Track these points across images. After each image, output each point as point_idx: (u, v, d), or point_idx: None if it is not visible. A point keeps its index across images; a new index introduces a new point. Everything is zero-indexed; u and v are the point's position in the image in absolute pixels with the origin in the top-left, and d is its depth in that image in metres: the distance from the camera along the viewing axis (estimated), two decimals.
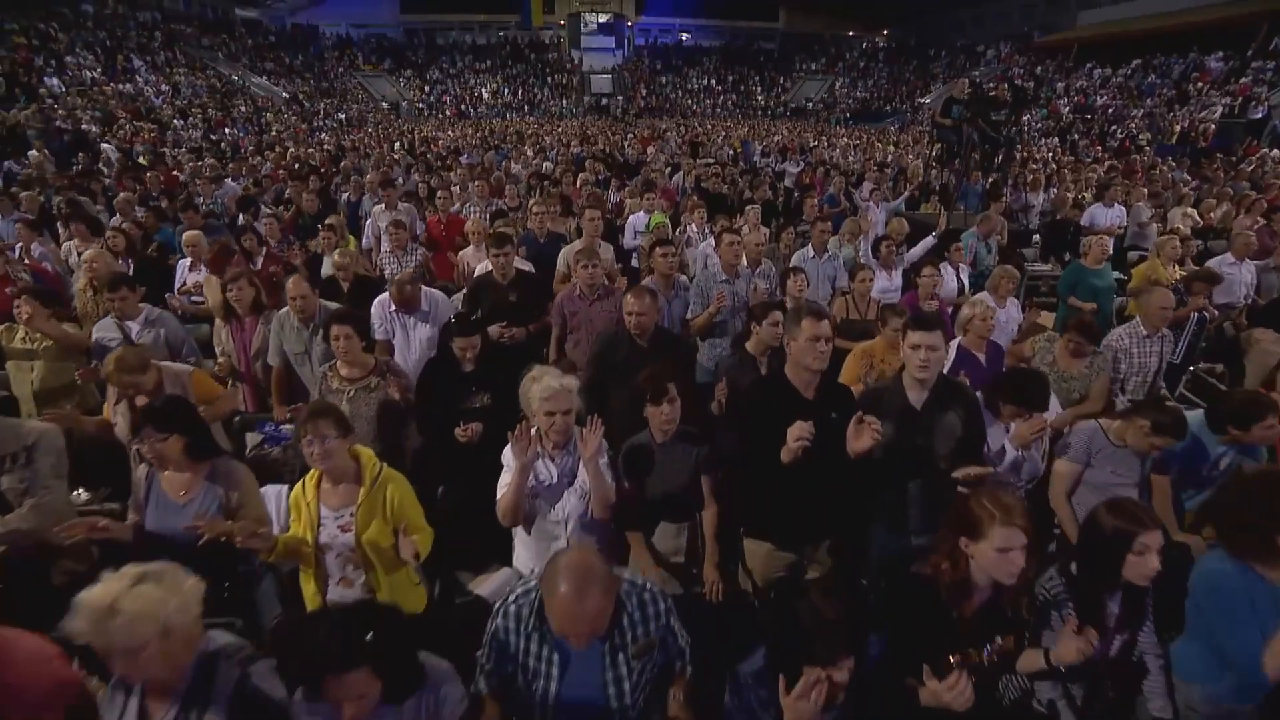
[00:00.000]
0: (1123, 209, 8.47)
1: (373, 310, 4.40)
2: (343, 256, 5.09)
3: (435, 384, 3.59)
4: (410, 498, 2.73)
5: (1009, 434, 3.16)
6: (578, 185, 10.04)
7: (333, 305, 4.31)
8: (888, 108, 37.67)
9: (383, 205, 7.25)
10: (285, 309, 4.18)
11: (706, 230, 7.28)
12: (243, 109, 26.12)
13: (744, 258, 4.75)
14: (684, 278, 5.51)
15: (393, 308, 4.32)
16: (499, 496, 2.73)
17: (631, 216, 7.30)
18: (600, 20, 45.91)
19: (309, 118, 29.35)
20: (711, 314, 4.38)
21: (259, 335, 4.39)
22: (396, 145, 18.53)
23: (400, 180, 11.39)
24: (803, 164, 14.02)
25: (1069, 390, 4.09)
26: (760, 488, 2.79)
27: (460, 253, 6.17)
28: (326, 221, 6.80)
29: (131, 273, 5.99)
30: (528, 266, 5.34)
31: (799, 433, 2.48)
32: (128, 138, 18.48)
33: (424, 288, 4.50)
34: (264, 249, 6.16)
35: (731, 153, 17.72)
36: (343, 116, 31.63)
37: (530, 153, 16.97)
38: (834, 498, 2.79)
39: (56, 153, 16.42)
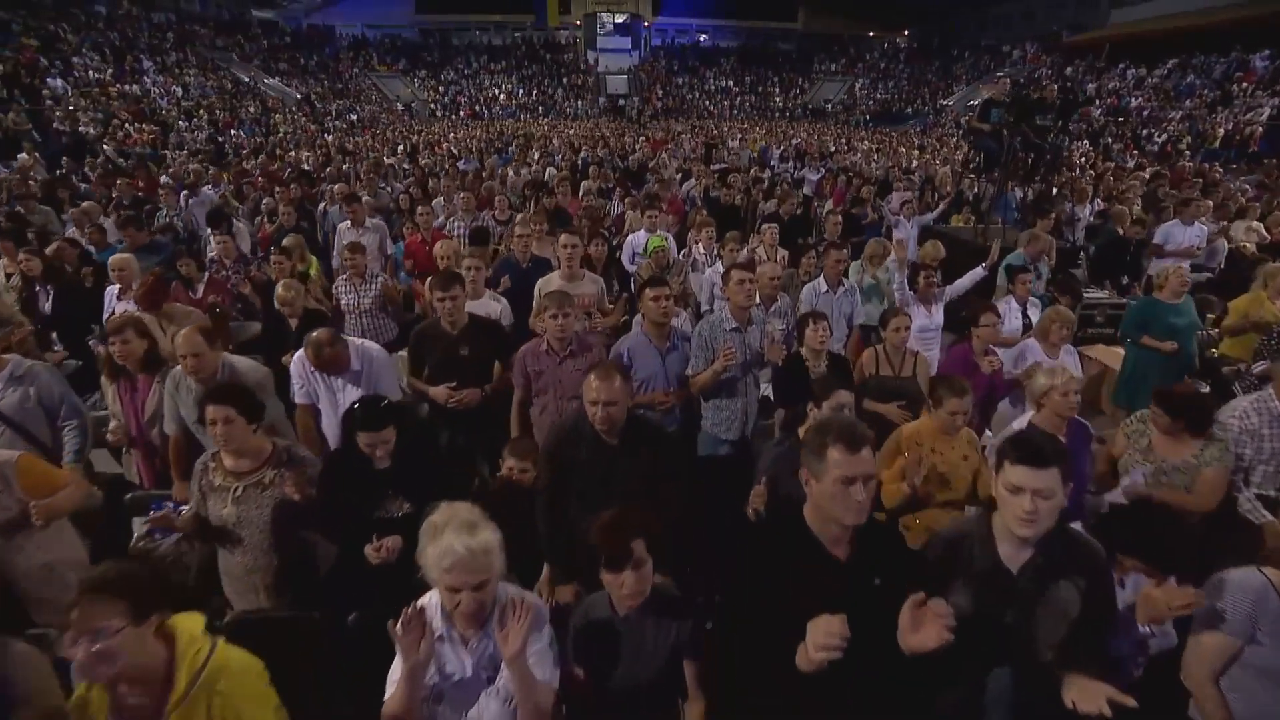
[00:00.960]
0: (1203, 227, 7.34)
1: (291, 368, 3.52)
2: (286, 289, 4.20)
3: (339, 485, 2.68)
4: (257, 699, 1.82)
5: (1127, 587, 2.20)
6: (579, 195, 9.15)
7: (246, 365, 3.45)
8: (909, 109, 36.39)
9: (348, 222, 6.37)
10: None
11: (715, 252, 6.35)
12: (251, 110, 25.50)
13: (757, 296, 3.81)
14: (684, 321, 4.60)
15: (312, 367, 3.42)
16: (386, 698, 1.83)
17: (631, 236, 6.37)
18: (616, 20, 45.01)
19: (320, 119, 28.72)
20: (717, 372, 3.44)
21: (154, 396, 3.52)
22: (400, 148, 17.74)
23: (388, 189, 10.58)
24: (822, 170, 12.99)
25: (1171, 486, 3.11)
26: (765, 680, 1.85)
27: (428, 281, 5.28)
28: (283, 242, 5.96)
29: (50, 302, 5.20)
30: (498, 307, 4.44)
31: (825, 639, 1.55)
32: (125, 140, 17.85)
33: (360, 342, 3.60)
34: (206, 276, 5.32)
35: (751, 157, 16.74)
36: (354, 117, 30.98)
37: (537, 155, 16.14)
38: (875, 699, 1.83)
39: (52, 155, 15.89)
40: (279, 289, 4.22)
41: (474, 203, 7.21)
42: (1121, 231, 8.47)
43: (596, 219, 6.30)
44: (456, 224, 7.13)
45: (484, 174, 11.50)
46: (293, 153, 16.48)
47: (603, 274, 5.48)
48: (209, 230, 7.30)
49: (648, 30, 46.27)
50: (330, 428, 3.54)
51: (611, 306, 5.13)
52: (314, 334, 3.30)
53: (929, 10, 41.51)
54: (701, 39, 47.27)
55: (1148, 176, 13.33)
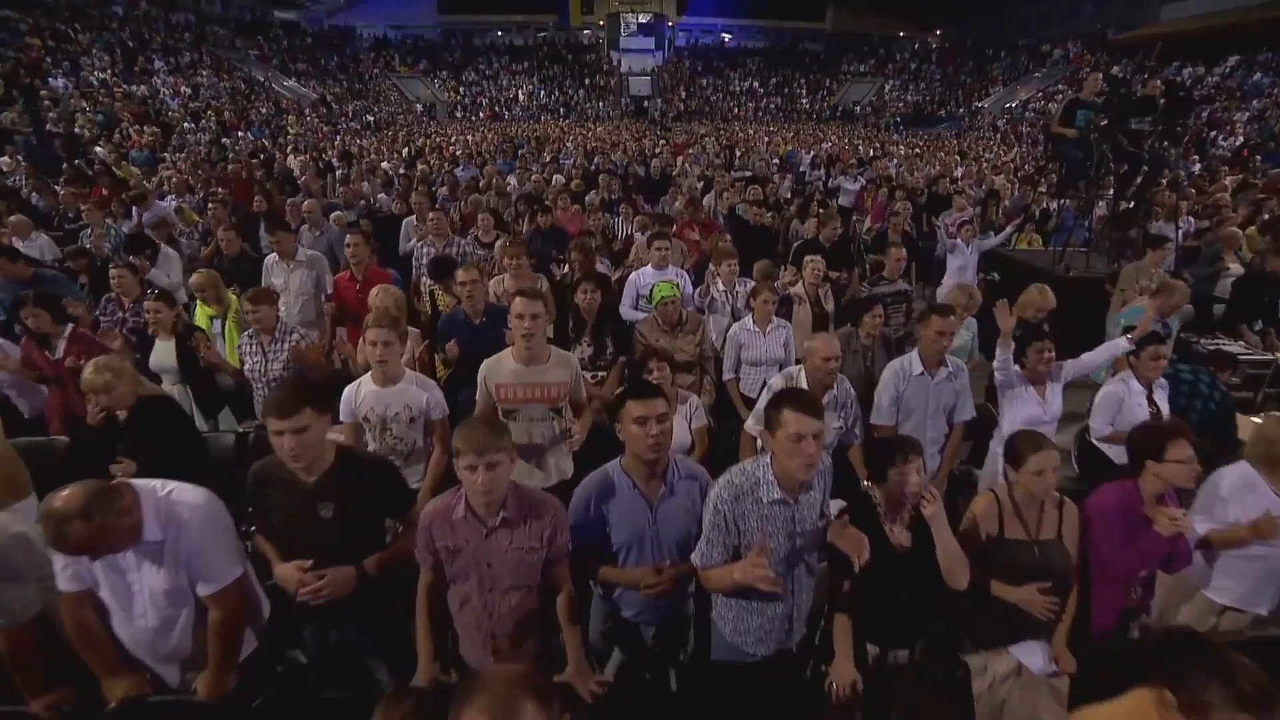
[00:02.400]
0: None
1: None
2: (95, 373, 2.79)
3: None
4: None
5: None
6: (585, 211, 7.69)
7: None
8: (942, 112, 34.39)
9: (274, 256, 4.97)
10: None
11: (738, 290, 4.87)
12: (262, 111, 24.45)
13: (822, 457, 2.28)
14: (696, 410, 3.19)
15: None
16: None
17: (635, 274, 4.90)
18: (640, 21, 43.49)
19: (334, 120, 27.63)
20: (739, 583, 2.03)
21: None
22: (405, 151, 16.45)
23: (376, 201, 9.22)
24: (861, 180, 11.37)
25: None
26: None
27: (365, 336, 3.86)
28: (192, 279, 4.61)
29: None
30: (422, 399, 3.00)
31: None
32: (125, 141, 16.80)
33: (166, 492, 2.15)
34: (69, 328, 3.96)
35: (776, 162, 15.13)
36: (370, 119, 29.87)
37: (548, 158, 14.73)
38: None
39: (44, 157, 14.87)
40: (85, 372, 2.80)
41: (446, 224, 5.79)
42: (1226, 259, 6.88)
43: (589, 252, 4.83)
44: (426, 249, 5.74)
45: (482, 183, 10.11)
46: (291, 156, 15.25)
47: (592, 330, 4.03)
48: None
49: (672, 30, 44.68)
50: (124, 627, 2.13)
51: (595, 386, 3.69)
52: (58, 499, 1.88)
53: (964, 9, 39.29)
54: (726, 39, 45.56)
55: (1232, 187, 11.57)
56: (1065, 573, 2.42)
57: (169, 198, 8.95)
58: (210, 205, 7.68)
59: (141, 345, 4.23)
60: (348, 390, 3.10)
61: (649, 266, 4.76)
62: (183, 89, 22.85)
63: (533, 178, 8.99)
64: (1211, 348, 5.29)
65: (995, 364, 3.47)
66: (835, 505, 2.38)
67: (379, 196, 9.42)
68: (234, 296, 4.85)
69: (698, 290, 4.79)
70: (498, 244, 5.63)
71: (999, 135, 27.07)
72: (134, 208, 7.84)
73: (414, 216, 6.69)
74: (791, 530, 2.11)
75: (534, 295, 2.85)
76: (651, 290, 3.99)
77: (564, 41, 44.05)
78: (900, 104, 37.23)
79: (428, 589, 2.21)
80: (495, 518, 2.06)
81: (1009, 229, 7.24)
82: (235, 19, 34.48)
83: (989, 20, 38.88)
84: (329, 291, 4.97)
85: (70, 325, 3.98)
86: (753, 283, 5.03)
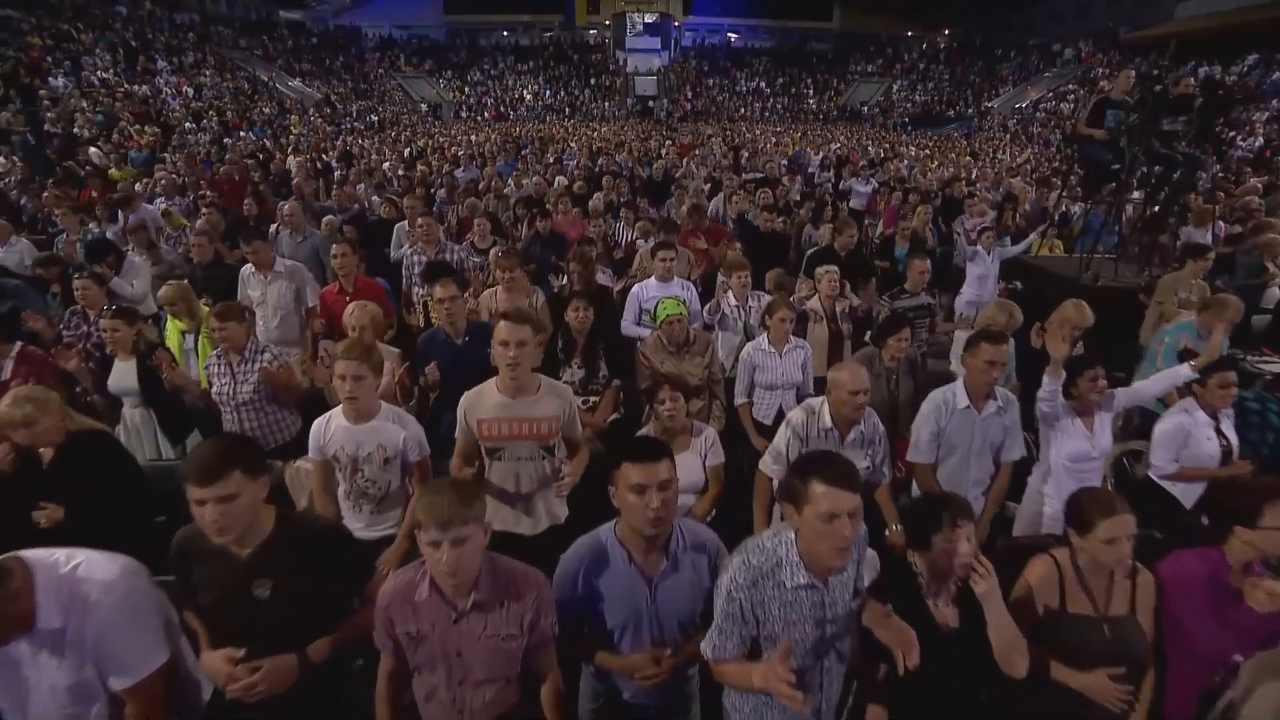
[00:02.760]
0: None
1: None
2: (15, 405, 2.42)
3: None
4: None
5: None
6: (588, 216, 7.34)
7: None
8: (950, 112, 33.86)
9: (251, 267, 4.61)
10: None
11: (750, 305, 4.50)
12: (265, 111, 24.17)
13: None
14: (710, 443, 2.86)
15: None
16: None
17: (637, 286, 4.52)
18: (646, 20, 43.10)
19: (337, 120, 27.34)
20: (756, 688, 1.67)
21: None
22: (407, 151, 16.12)
23: (369, 204, 8.88)
24: (873, 183, 10.97)
25: None
26: None
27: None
28: (161, 292, 4.26)
29: None
30: (399, 437, 2.65)
31: None
32: (124, 142, 16.53)
33: (76, 563, 1.79)
34: (17, 346, 3.62)
35: (784, 164, 14.73)
36: (374, 119, 29.58)
37: (551, 159, 14.36)
38: None
39: (40, 157, 14.62)
40: (4, 403, 2.44)
41: (437, 230, 5.42)
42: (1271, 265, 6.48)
43: (589, 263, 4.45)
44: (417, 258, 5.39)
45: (481, 185, 9.76)
46: (290, 157, 14.92)
47: (584, 351, 3.67)
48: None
49: (678, 30, 44.27)
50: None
51: (587, 414, 3.34)
52: None
53: (973, 9, 38.74)
54: (733, 39, 45.09)
55: (1260, 188, 11.11)
56: (1141, 655, 2.05)
57: (158, 200, 8.63)
58: (204, 209, 7.34)
59: (105, 364, 3.89)
60: (317, 424, 2.75)
61: (653, 279, 4.39)
62: (185, 89, 22.60)
63: (533, 180, 8.62)
64: (1266, 366, 4.89)
65: (1041, 395, 3.08)
66: (869, 566, 2.01)
67: (372, 199, 9.08)
68: (207, 309, 4.52)
69: (707, 307, 4.42)
70: (493, 251, 5.26)
71: (1009, 136, 26.57)
72: (119, 211, 7.51)
73: (405, 221, 6.33)
74: (820, 618, 1.75)
75: (520, 319, 2.48)
76: (656, 307, 3.62)
77: (570, 41, 43.70)
78: (908, 104, 36.72)
79: (388, 677, 1.85)
80: (466, 600, 1.71)
81: (1032, 235, 6.83)
82: (240, 19, 34.27)
83: (998, 20, 38.33)
84: (310, 304, 4.61)
85: (19, 344, 3.63)
86: (766, 297, 4.66)
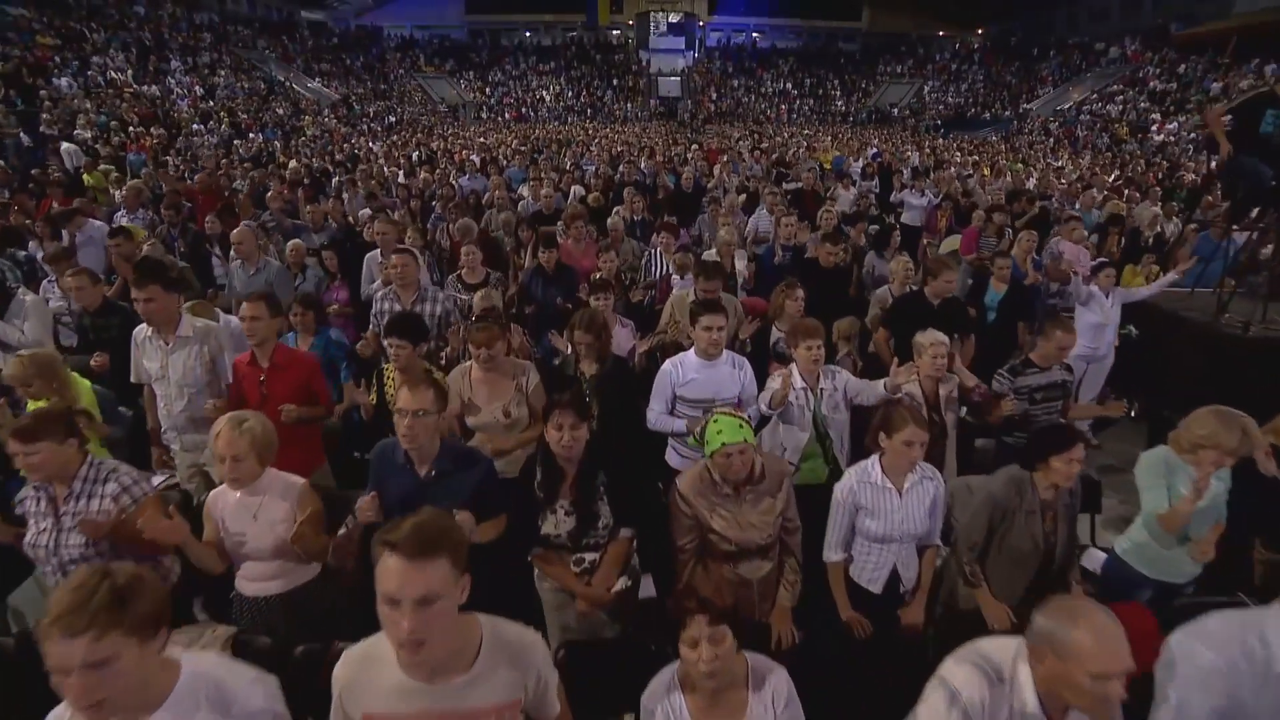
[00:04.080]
0: None
1: None
2: None
3: None
4: None
5: None
6: (603, 239, 6.03)
7: None
8: (986, 114, 31.98)
9: (146, 329, 3.31)
10: None
11: (824, 384, 3.16)
12: (279, 112, 23.18)
13: None
14: None
15: None
16: None
17: (669, 364, 3.13)
18: (670, 20, 41.66)
19: (354, 121, 26.30)
20: None
21: None
22: (414, 155, 14.92)
23: (357, 219, 7.64)
24: (929, 195, 9.49)
25: None
26: None
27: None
28: (8, 370, 3.03)
29: None
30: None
31: None
32: (124, 144, 15.53)
33: None
34: None
35: (818, 170, 13.27)
36: (392, 120, 28.52)
37: (569, 165, 13.05)
38: None
39: (32, 160, 13.66)
40: None
41: (414, 270, 4.12)
42: None
43: (601, 331, 3.09)
44: (388, 304, 4.10)
45: (486, 196, 8.49)
46: (294, 160, 13.77)
47: (575, 487, 2.31)
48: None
49: (702, 30, 42.78)
50: None
51: (577, 579, 2.07)
52: None
53: (1010, 7, 36.75)
54: (758, 39, 43.50)
55: None
56: None
57: (120, 213, 7.47)
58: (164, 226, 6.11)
59: None
60: None
61: (692, 353, 3.05)
62: (196, 89, 21.66)
63: (542, 194, 7.28)
64: None
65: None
66: None
67: (361, 212, 7.85)
68: (86, 383, 3.27)
69: (766, 396, 3.06)
70: (477, 296, 3.96)
71: (1052, 140, 24.76)
72: (63, 229, 6.34)
73: (379, 249, 5.06)
74: None
75: (426, 551, 1.19)
76: (703, 430, 2.26)
77: (592, 41, 42.41)
78: (940, 106, 34.90)
79: None
80: None
81: (1171, 275, 5.35)
82: (261, 19, 33.44)
83: (1035, 18, 36.31)
84: (229, 379, 3.33)
85: None
86: (843, 373, 3.29)
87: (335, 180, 10.94)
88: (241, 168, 12.22)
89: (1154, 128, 22.31)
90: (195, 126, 18.50)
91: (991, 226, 6.95)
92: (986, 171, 14.21)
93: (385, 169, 12.14)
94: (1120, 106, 25.61)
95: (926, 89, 37.11)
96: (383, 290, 4.29)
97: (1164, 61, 26.60)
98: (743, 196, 9.05)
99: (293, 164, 12.14)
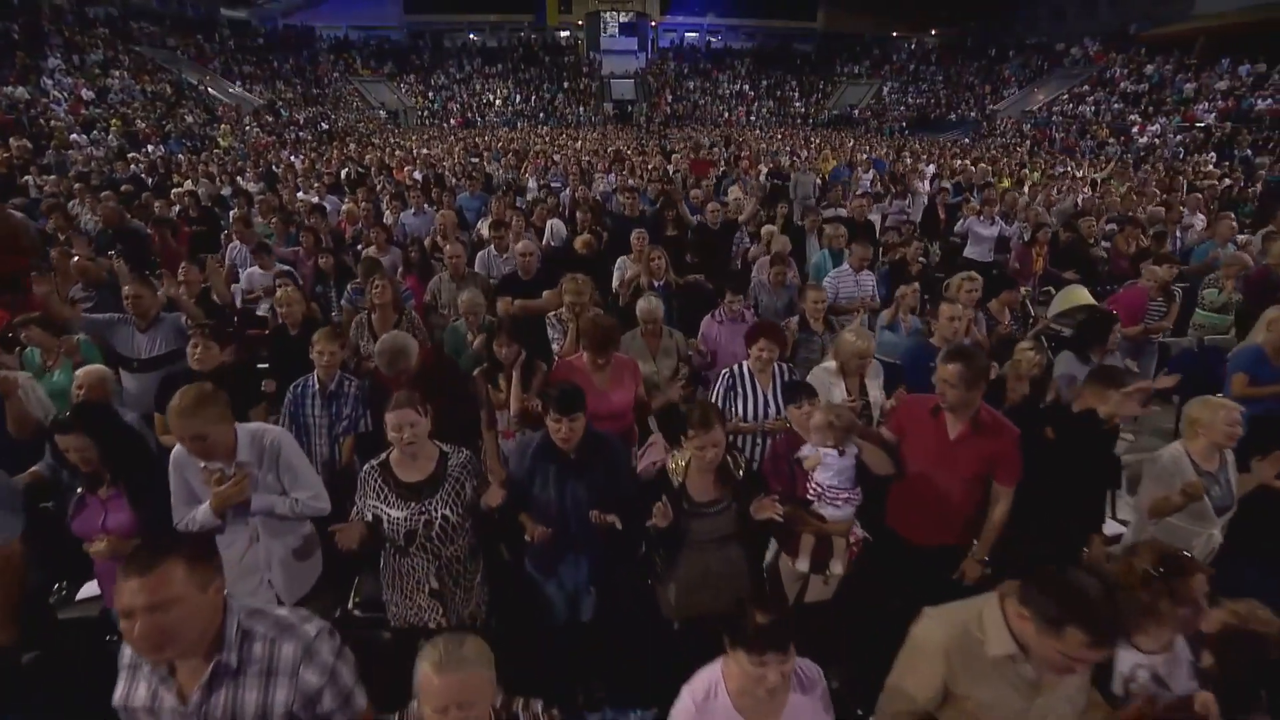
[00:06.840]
0: None
1: None
2: None
3: None
4: None
5: None
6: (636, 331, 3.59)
7: None
8: (952, 115, 30.63)
9: None
10: None
11: None
12: (188, 120, 19.67)
13: None
14: None
15: None
16: None
17: None
18: (622, 20, 39.20)
19: (281, 130, 22.88)
20: None
21: None
22: (345, 172, 12.00)
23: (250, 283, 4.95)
24: (1000, 223, 7.31)
25: None
26: None
27: None
28: None
29: None
30: None
31: None
32: None
33: None
34: None
35: (818, 182, 11.03)
36: (325, 127, 25.13)
37: (533, 184, 10.45)
38: None
39: None
40: None
41: (246, 488, 1.60)
42: None
43: None
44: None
45: (439, 241, 5.81)
46: (189, 181, 10.71)
47: None
48: None
49: (655, 30, 40.46)
50: None
51: None
52: None
53: (962, 8, 35.67)
54: (712, 40, 41.42)
55: None
56: None
57: None
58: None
59: None
60: None
61: None
62: (83, 92, 18.01)
63: (518, 250, 4.57)
64: None
65: None
66: None
67: (251, 273, 5.14)
68: None
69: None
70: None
71: (1029, 142, 23.36)
72: None
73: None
74: None
75: None
76: None
77: (541, 42, 39.51)
78: (901, 107, 33.46)
79: None
80: None
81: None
82: (174, 15, 29.33)
83: (990, 19, 35.33)
84: None
85: None
86: None
87: (233, 212, 8.07)
88: (88, 188, 9.00)
89: (1135, 129, 21.06)
90: (73, 137, 15.03)
91: (1155, 284, 4.79)
92: (1006, 182, 12.22)
93: (301, 192, 9.27)
94: (1093, 108, 24.46)
95: (885, 90, 35.70)
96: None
97: (1131, 62, 25.59)
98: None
99: (176, 190, 9.17)
